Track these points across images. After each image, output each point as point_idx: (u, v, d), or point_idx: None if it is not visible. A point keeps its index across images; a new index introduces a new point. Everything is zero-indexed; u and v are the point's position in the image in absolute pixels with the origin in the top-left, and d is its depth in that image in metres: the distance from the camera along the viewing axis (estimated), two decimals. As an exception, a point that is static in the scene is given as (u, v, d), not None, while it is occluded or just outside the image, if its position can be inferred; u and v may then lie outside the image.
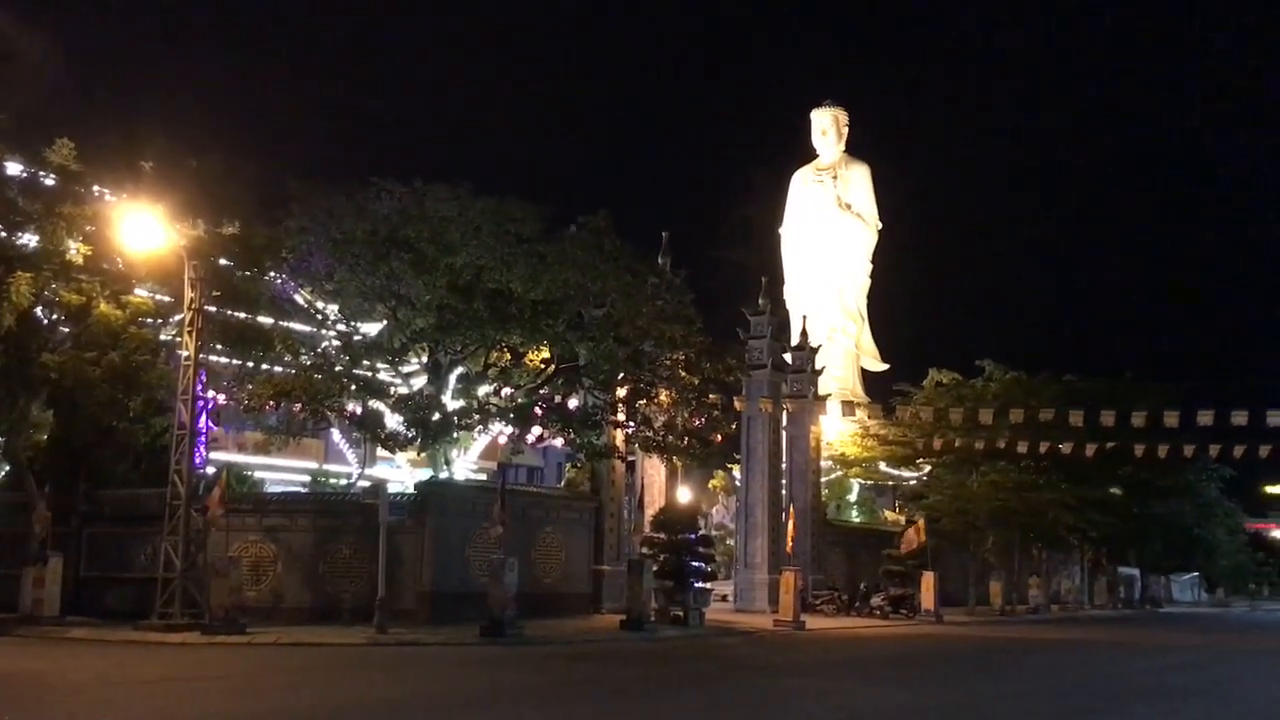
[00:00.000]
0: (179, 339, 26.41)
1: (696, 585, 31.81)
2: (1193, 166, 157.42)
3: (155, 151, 26.53)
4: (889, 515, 56.29)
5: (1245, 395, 40.23)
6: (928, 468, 52.91)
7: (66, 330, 27.49)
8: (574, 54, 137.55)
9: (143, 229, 24.86)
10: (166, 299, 28.31)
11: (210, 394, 27.07)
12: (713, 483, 54.36)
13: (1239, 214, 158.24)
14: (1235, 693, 19.52)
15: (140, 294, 28.41)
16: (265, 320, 29.77)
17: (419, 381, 30.75)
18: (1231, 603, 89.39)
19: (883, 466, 56.15)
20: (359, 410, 30.10)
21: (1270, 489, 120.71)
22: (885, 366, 65.77)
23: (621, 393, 32.05)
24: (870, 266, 67.52)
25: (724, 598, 41.59)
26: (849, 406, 48.67)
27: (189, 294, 25.06)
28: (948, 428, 47.01)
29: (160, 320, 29.01)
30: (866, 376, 65.89)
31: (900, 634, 33.60)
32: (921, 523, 42.59)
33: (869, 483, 58.60)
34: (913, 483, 55.45)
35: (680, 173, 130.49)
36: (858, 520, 55.49)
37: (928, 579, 40.61)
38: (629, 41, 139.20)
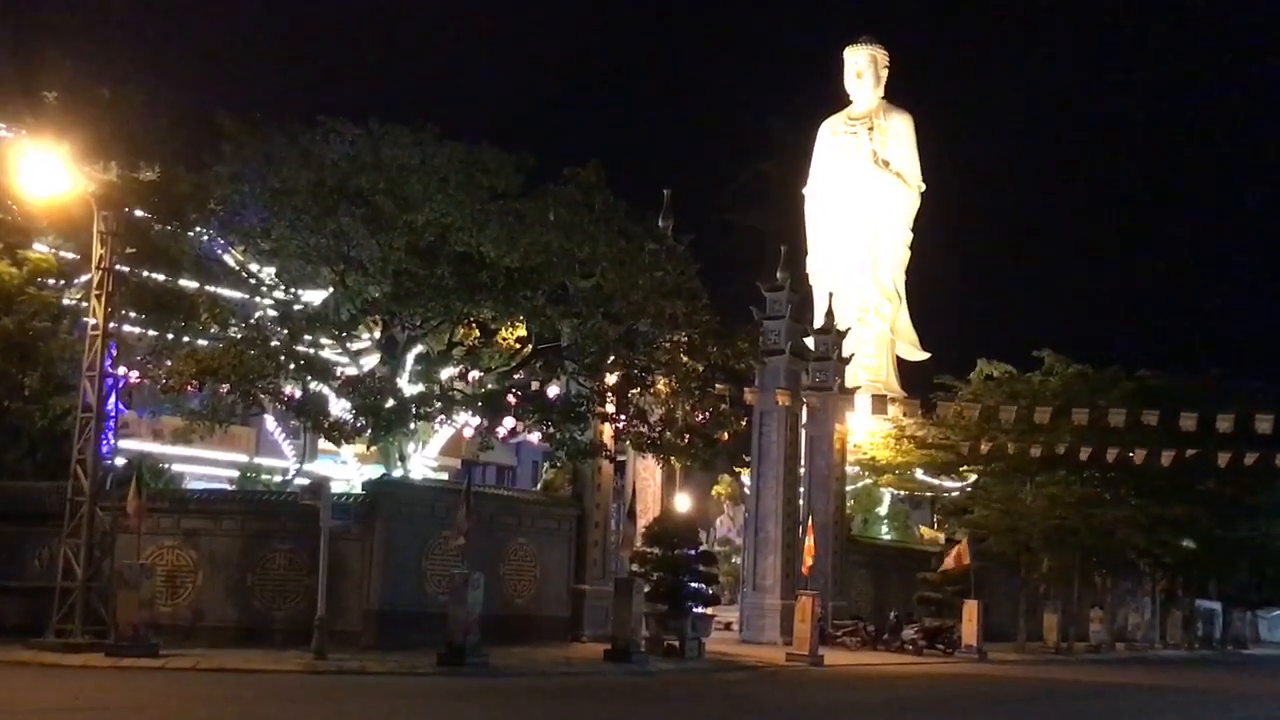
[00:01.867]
0: (85, 304, 26.39)
1: (696, 611, 31.93)
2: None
3: (61, 79, 26.39)
4: (926, 532, 56.47)
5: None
6: (973, 477, 53.08)
7: (-50, 291, 27.50)
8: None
9: (44, 172, 24.79)
10: (71, 256, 28.31)
11: (122, 370, 27.05)
12: (717, 489, 54.48)
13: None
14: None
15: (40, 250, 28.41)
16: (189, 284, 29.76)
17: (370, 361, 30.75)
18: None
19: (920, 474, 56.28)
20: (298, 394, 30.06)
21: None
22: (926, 355, 65.87)
23: (611, 380, 32.05)
24: (910, 236, 67.50)
25: (728, 626, 41.74)
26: (881, 402, 48.76)
27: (98, 250, 25.01)
28: (998, 429, 47.12)
29: (64, 281, 29.02)
30: (903, 367, 66.01)
31: (936, 673, 33.78)
32: (965, 541, 42.73)
33: (903, 493, 58.74)
34: (955, 494, 55.63)
35: (687, 119, 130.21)
36: (888, 537, 55.65)
37: (970, 609, 40.75)
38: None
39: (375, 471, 31.09)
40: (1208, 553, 57.75)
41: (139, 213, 26.96)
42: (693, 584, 31.82)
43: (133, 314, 28.09)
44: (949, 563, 41.82)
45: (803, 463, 43.22)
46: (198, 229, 29.83)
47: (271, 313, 30.44)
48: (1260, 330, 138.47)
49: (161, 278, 28.91)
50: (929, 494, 58.39)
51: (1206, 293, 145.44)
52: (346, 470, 33.46)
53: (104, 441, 25.50)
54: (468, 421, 31.85)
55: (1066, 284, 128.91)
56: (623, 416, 32.40)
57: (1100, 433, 44.62)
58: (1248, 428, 41.68)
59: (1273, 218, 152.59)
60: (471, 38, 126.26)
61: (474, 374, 31.06)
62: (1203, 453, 44.94)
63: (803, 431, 43.44)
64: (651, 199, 35.45)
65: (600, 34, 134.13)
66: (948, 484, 56.21)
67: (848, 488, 48.75)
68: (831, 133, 68.37)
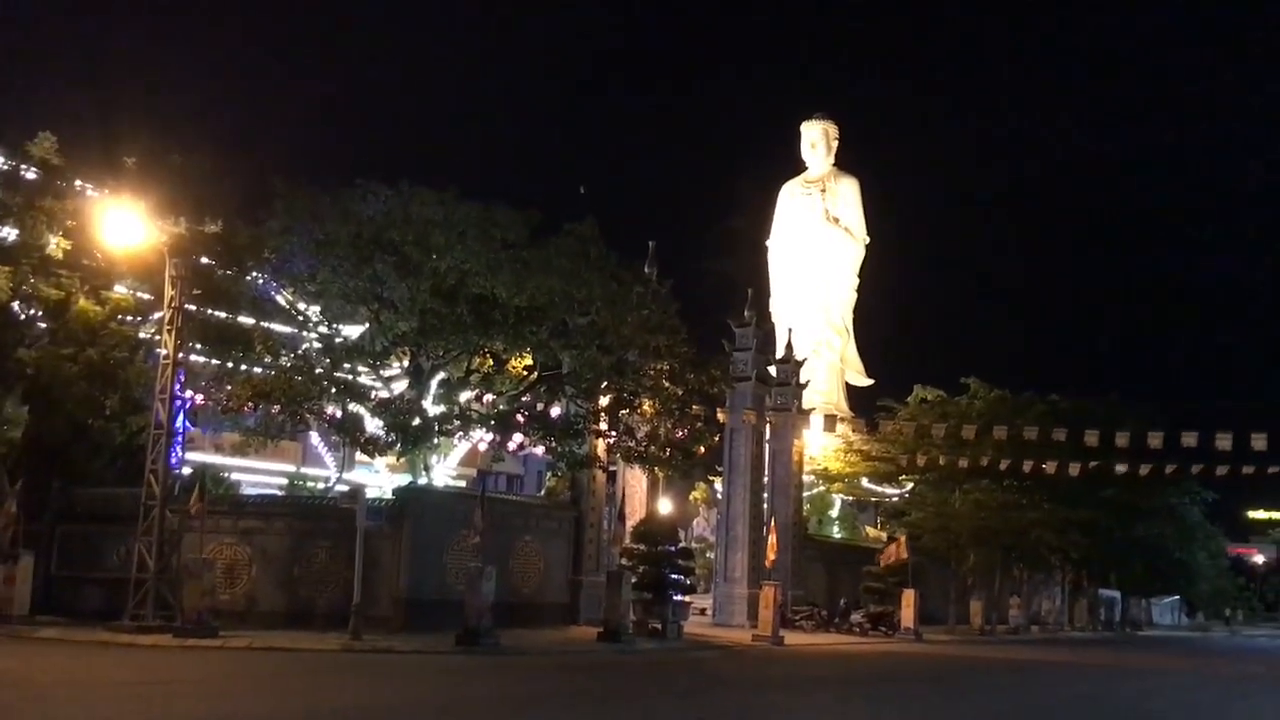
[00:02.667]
0: (158, 337, 26.27)
1: (675, 598, 31.78)
2: (1183, 191, 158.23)
3: (138, 147, 26.46)
4: (870, 532, 56.44)
5: (1230, 419, 40.47)
6: (910, 485, 53.10)
7: (44, 326, 27.39)
8: (565, 62, 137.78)
9: (123, 225, 24.81)
10: (146, 296, 28.19)
11: (188, 393, 26.94)
12: (694, 495, 54.36)
13: (1232, 238, 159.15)
14: (1204, 716, 19.61)
15: (120, 290, 28.31)
16: (246, 320, 29.63)
17: (400, 386, 30.66)
18: (1212, 627, 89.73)
19: (865, 482, 56.32)
20: (338, 413, 30.00)
21: (1253, 513, 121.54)
22: (870, 381, 65.96)
23: (604, 402, 32.01)
24: (857, 281, 67.76)
25: (703, 611, 41.55)
26: (832, 421, 48.76)
27: (169, 291, 24.96)
28: (931, 444, 47.18)
29: (140, 318, 28.88)
30: (851, 391, 66.09)
31: (878, 651, 33.65)
32: (903, 539, 42.69)
33: (851, 498, 58.74)
34: (895, 499, 55.63)
35: (668, 183, 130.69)
36: (839, 536, 55.58)
37: (908, 596, 40.69)
38: (621, 51, 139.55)
39: (404, 480, 30.96)
40: (1108, 549, 57.71)
41: (204, 260, 26.92)
42: (673, 575, 31.66)
43: (198, 345, 27.98)
44: (889, 554, 41.77)
45: (766, 473, 43.17)
46: (254, 274, 29.77)
47: (316, 345, 30.33)
48: (1152, 361, 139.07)
49: (223, 315, 28.80)
50: (873, 499, 58.40)
51: (1107, 329, 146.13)
52: (379, 479, 33.28)
53: (173, 454, 25.37)
54: (482, 437, 31.69)
55: (991, 321, 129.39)
56: (614, 433, 32.37)
57: (1018, 447, 44.68)
58: (1142, 444, 41.76)
59: (1164, 266, 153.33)
60: (489, 110, 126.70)
61: (488, 397, 30.99)
62: (1104, 465, 45.04)
63: (766, 446, 43.41)
64: (638, 250, 35.54)
65: (597, 107, 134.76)
66: (889, 491, 56.23)
67: (805, 494, 48.74)
68: (790, 194, 68.64)
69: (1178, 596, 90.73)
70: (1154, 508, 58.46)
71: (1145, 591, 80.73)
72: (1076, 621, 65.23)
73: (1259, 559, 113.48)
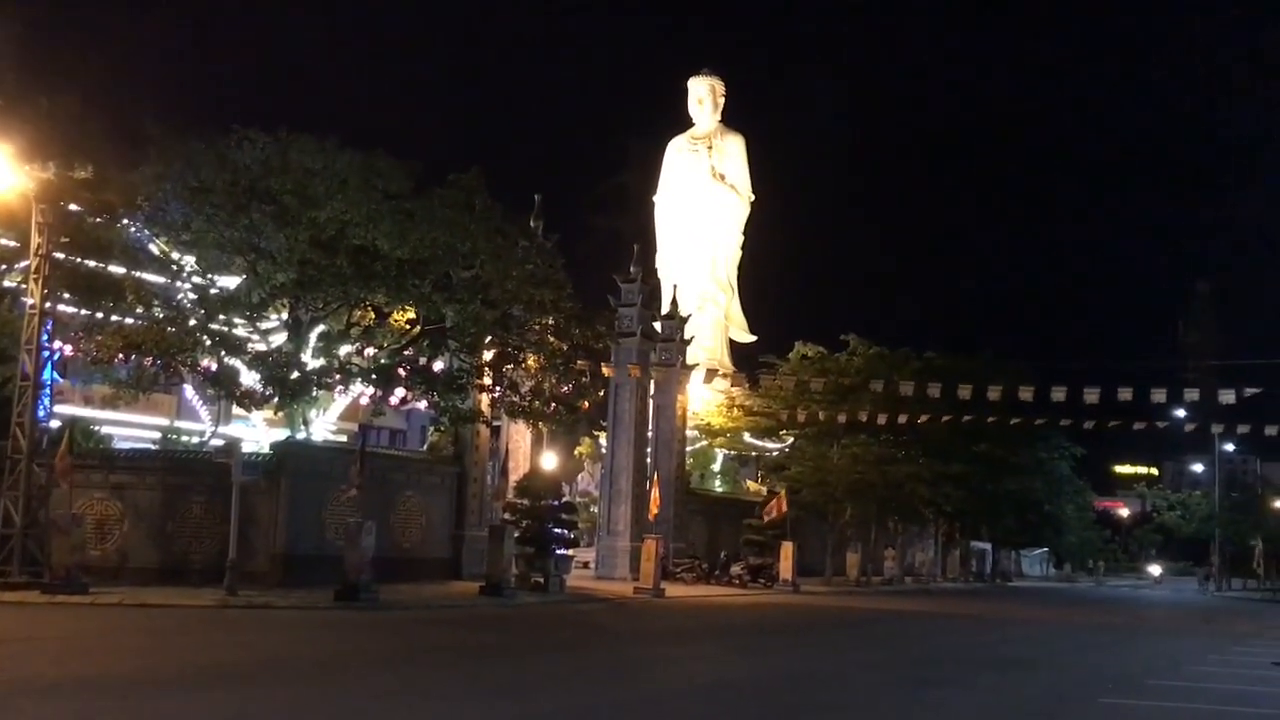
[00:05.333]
0: (24, 286, 25.45)
1: (558, 552, 31.93)
2: (1055, 151, 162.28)
3: (3, 87, 25.40)
4: (751, 486, 57.17)
5: (1097, 376, 41.66)
6: (790, 439, 53.86)
7: (-99, 274, 26.29)
8: (452, 11, 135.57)
9: (-14, 170, 23.87)
10: (12, 244, 27.22)
11: (57, 344, 26.13)
12: (579, 449, 54.50)
13: (1099, 199, 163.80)
14: (1064, 662, 20.44)
15: (-17, 238, 27.28)
16: (117, 270, 28.79)
17: (278, 339, 30.11)
18: (1078, 578, 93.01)
19: (747, 437, 56.95)
20: (214, 366, 29.35)
21: (1119, 468, 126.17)
22: (753, 338, 66.57)
23: (488, 356, 31.88)
24: (742, 238, 68.13)
25: (586, 565, 41.82)
26: (713, 374, 49.09)
27: (35, 239, 24.20)
28: (810, 400, 47.90)
29: (5, 266, 27.90)
30: (734, 347, 66.66)
31: (757, 603, 34.29)
32: (783, 494, 43.36)
33: (733, 453, 59.38)
34: (775, 454, 56.37)
35: (555, 136, 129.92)
36: (721, 490, 56.24)
37: (786, 549, 41.41)
38: (509, 2, 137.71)
39: (282, 434, 30.52)
40: (980, 503, 59.29)
41: (73, 206, 26.06)
42: (555, 530, 31.79)
43: (67, 295, 27.12)
44: (770, 509, 42.39)
45: (650, 427, 43.45)
46: (126, 221, 28.88)
47: (191, 295, 29.62)
48: (1022, 320, 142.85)
49: (93, 264, 27.94)
50: (754, 454, 59.09)
51: (980, 287, 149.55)
52: (256, 433, 32.72)
53: (40, 406, 24.66)
54: (363, 391, 31.32)
55: (869, 279, 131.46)
56: (498, 388, 32.25)
57: (894, 403, 45.56)
58: (1014, 399, 42.85)
59: (1038, 225, 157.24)
60: (368, 55, 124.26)
61: (369, 350, 30.64)
62: (977, 419, 46.16)
63: (650, 401, 43.67)
64: (524, 203, 35.27)
65: (485, 59, 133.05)
66: (770, 445, 56.95)
67: (688, 448, 49.16)
68: (677, 150, 68.60)
69: (1046, 549, 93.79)
70: (1024, 463, 60.21)
71: (1015, 544, 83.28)
72: (949, 573, 67.07)
73: (1124, 512, 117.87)
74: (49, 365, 24.91)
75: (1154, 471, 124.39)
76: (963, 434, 48.67)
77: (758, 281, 70.22)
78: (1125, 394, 40.40)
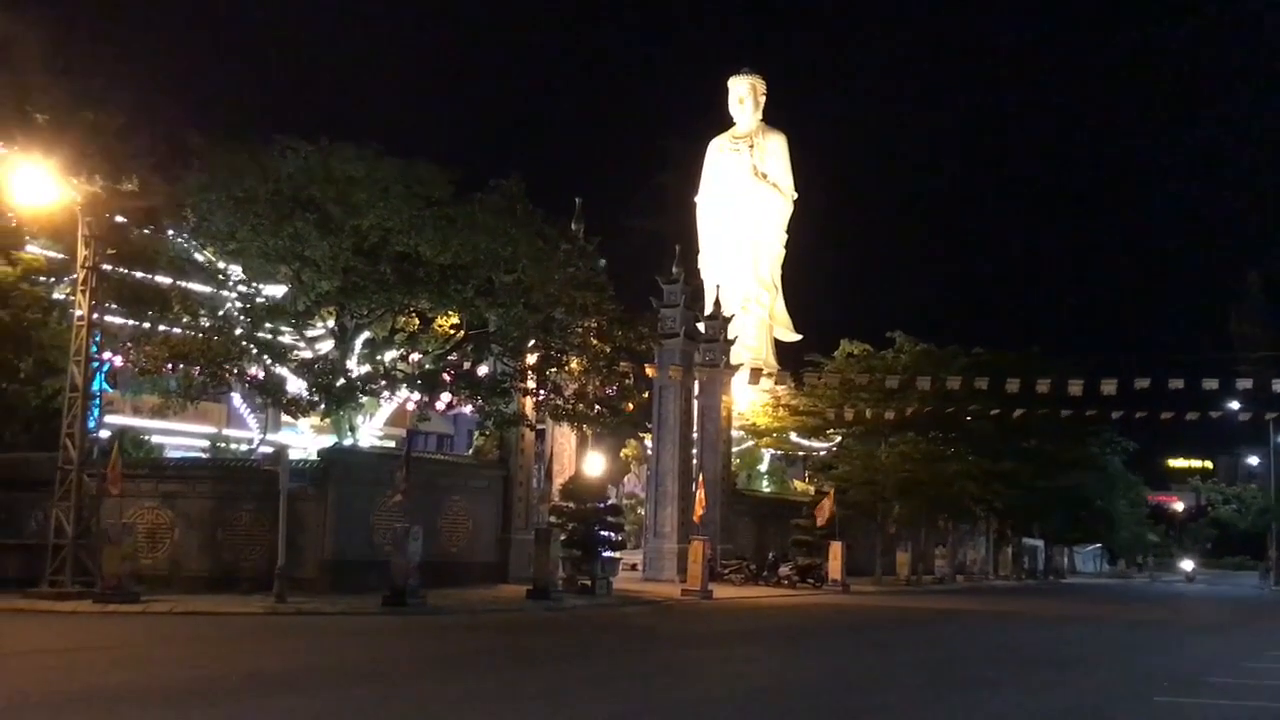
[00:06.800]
0: (73, 298, 25.76)
1: (604, 554, 31.91)
2: (1105, 142, 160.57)
3: (49, 102, 25.71)
4: (799, 485, 56.96)
5: (1149, 369, 41.14)
6: (838, 438, 53.58)
7: (-48, 287, 26.68)
8: (492, 16, 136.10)
9: (34, 183, 24.18)
10: (60, 256, 27.57)
11: (106, 355, 26.43)
12: (625, 451, 54.44)
13: (1149, 187, 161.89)
14: (1119, 660, 20.13)
15: (32, 251, 27.64)
16: (164, 280, 29.09)
17: (323, 346, 30.30)
18: (1133, 574, 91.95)
19: (793, 437, 56.71)
20: (260, 374, 29.59)
21: (1171, 462, 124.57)
22: (798, 337, 66.33)
23: (531, 360, 31.94)
24: (785, 236, 67.91)
25: (634, 567, 41.80)
26: (758, 374, 48.94)
27: (82, 251, 24.46)
28: (857, 398, 47.61)
29: (53, 278, 28.27)
30: (780, 347, 66.44)
31: (806, 604, 34.09)
32: (831, 495, 43.14)
33: (780, 453, 59.16)
34: (823, 453, 56.12)
35: (595, 139, 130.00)
36: (768, 490, 56.04)
37: (835, 549, 41.17)
38: (546, 6, 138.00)
39: (329, 441, 30.71)
40: (1031, 500, 58.79)
41: (119, 218, 26.35)
42: (602, 532, 31.76)
43: (114, 306, 27.42)
44: (822, 510, 42.09)
45: (695, 428, 43.33)
46: (171, 232, 29.18)
47: (237, 304, 29.82)
48: (1071, 314, 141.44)
49: (140, 275, 28.25)
50: (801, 453, 58.84)
51: (1032, 282, 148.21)
52: (304, 440, 33.01)
53: (90, 417, 24.94)
54: (410, 397, 31.47)
55: (916, 276, 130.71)
56: (542, 391, 32.30)
57: (942, 399, 45.21)
58: (1063, 393, 42.39)
59: (1083, 227, 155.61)
60: (411, 64, 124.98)
61: (414, 356, 30.72)
62: (1026, 415, 45.68)
63: (695, 402, 43.55)
64: (565, 206, 35.31)
65: (523, 63, 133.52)
66: (817, 445, 56.68)
67: (734, 449, 49.02)
68: (718, 150, 68.48)
69: (1099, 544, 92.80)
70: (1075, 458, 59.58)
71: (1068, 540, 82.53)
72: (1001, 571, 66.53)
73: (1179, 506, 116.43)
74: (98, 376, 25.20)
75: (1208, 465, 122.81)
76: (1012, 430, 48.20)
77: (803, 280, 70.05)
78: (1177, 384, 39.84)
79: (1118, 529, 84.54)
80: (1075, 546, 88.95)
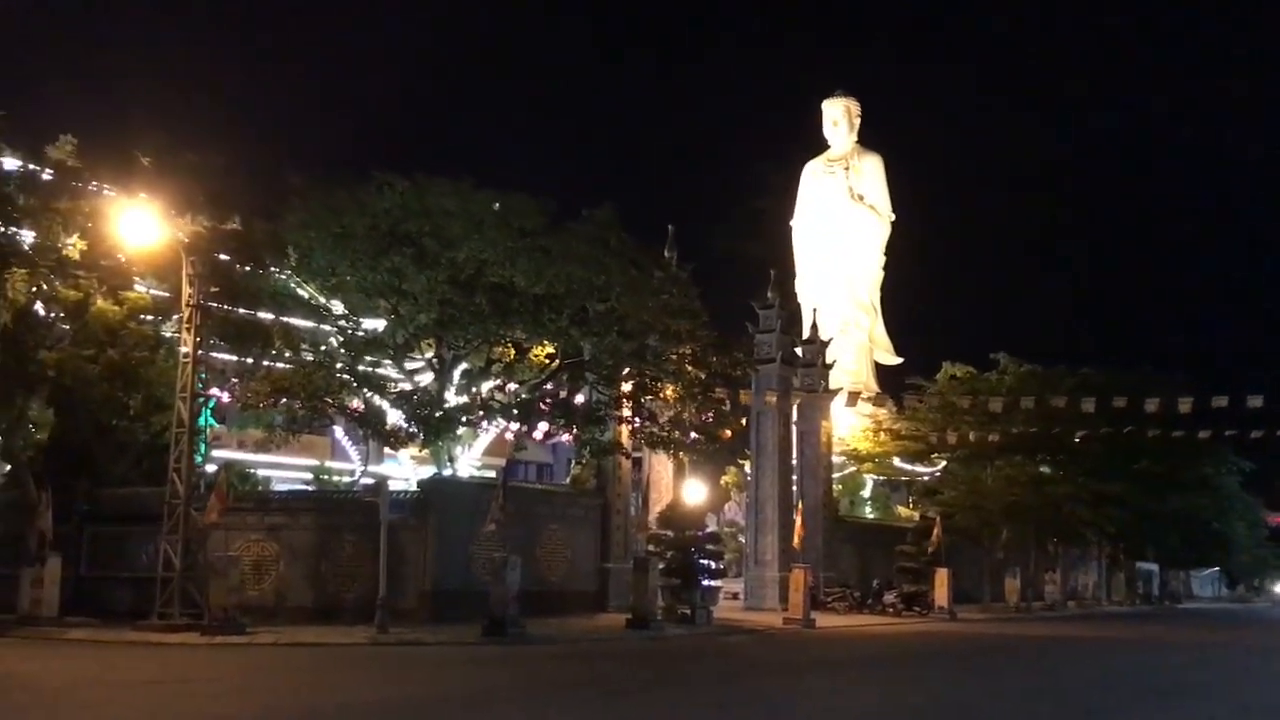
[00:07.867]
0: (178, 335, 26.38)
1: (704, 583, 31.68)
2: (1211, 167, 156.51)
3: (153, 146, 26.46)
4: (903, 511, 56.12)
5: (1261, 385, 39.91)
6: (942, 463, 52.77)
7: (65, 327, 27.46)
8: (582, 46, 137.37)
9: (140, 224, 24.86)
10: (165, 295, 28.27)
11: (211, 391, 27.03)
12: (725, 479, 54.21)
13: (1255, 198, 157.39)
14: (1233, 690, 19.38)
15: (139, 290, 28.39)
16: (266, 316, 29.69)
17: (423, 378, 30.67)
18: (1252, 598, 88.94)
19: (896, 461, 55.94)
20: (361, 407, 30.04)
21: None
22: (899, 360, 65.54)
23: (626, 388, 31.93)
24: (883, 259, 67.22)
25: (735, 595, 41.47)
26: (855, 397, 48.38)
27: (187, 290, 25.03)
28: (961, 421, 46.82)
29: (159, 317, 28.97)
30: (880, 370, 65.69)
31: (912, 632, 33.46)
32: (938, 519, 42.44)
33: (882, 478, 58.39)
34: (927, 478, 55.28)
35: (689, 166, 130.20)
36: (871, 516, 55.30)
37: (941, 575, 40.44)
38: (638, 32, 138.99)
39: (428, 471, 30.98)
40: (1144, 522, 57.22)
41: (222, 256, 26.97)
42: (701, 560, 31.56)
43: (219, 342, 28.10)
44: (934, 542, 41.28)
45: (794, 455, 42.94)
46: (273, 269, 29.81)
47: (337, 338, 30.37)
48: (1180, 331, 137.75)
49: (243, 311, 28.85)
50: (905, 478, 58.01)
51: (1139, 301, 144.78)
52: (404, 471, 33.32)
53: (197, 452, 25.47)
54: (507, 426, 31.67)
55: (1019, 297, 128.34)
56: (637, 419, 32.29)
57: (1048, 421, 44.26)
58: (1174, 412, 41.27)
59: (1188, 246, 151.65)
60: (504, 97, 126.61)
61: (510, 386, 30.93)
62: (1135, 435, 44.51)
63: (794, 428, 43.18)
64: (658, 234, 35.38)
65: (615, 93, 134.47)
66: (920, 469, 55.86)
67: (835, 475, 48.48)
68: (813, 173, 68.13)
69: (1217, 568, 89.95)
70: (1189, 479, 57.87)
71: (1184, 564, 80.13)
72: (1114, 596, 64.84)
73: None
74: (204, 412, 25.75)
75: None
76: (1121, 451, 46.97)
77: (904, 303, 69.24)
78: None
79: (1236, 552, 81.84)
80: (1192, 570, 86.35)
